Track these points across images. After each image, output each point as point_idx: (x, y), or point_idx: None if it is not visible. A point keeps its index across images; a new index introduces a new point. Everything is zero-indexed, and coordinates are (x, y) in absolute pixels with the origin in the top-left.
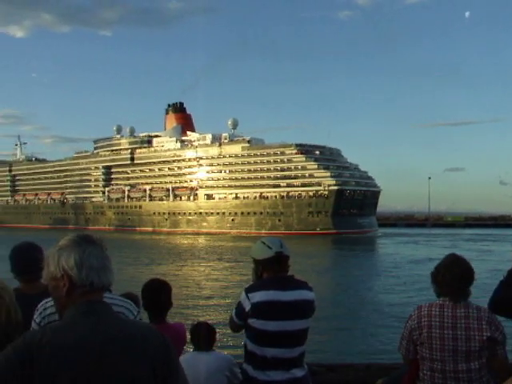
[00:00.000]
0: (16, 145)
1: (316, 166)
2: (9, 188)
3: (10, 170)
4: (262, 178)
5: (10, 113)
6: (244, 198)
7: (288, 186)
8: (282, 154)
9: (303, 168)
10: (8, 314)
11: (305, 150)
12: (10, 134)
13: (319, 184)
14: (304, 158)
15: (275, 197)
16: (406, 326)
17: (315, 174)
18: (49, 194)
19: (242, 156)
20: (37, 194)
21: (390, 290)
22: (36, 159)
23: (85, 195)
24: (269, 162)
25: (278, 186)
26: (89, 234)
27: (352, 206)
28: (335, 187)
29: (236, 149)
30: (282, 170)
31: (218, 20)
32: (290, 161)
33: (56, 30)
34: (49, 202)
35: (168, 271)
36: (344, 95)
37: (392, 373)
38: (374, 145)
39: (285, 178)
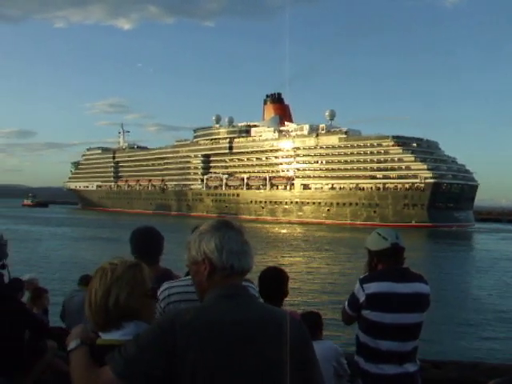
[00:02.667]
0: (119, 133)
1: (413, 159)
2: (112, 174)
3: (114, 157)
4: (359, 169)
5: (116, 101)
6: (340, 188)
7: (384, 177)
8: (379, 145)
9: (400, 160)
10: (106, 293)
11: (402, 142)
12: (116, 122)
13: (415, 176)
14: (401, 150)
15: (371, 188)
16: None
17: (412, 167)
18: (150, 180)
19: (339, 147)
20: (138, 181)
21: (492, 288)
22: (138, 147)
23: (184, 182)
24: (365, 153)
25: (374, 177)
26: (228, 220)
27: (448, 200)
28: (432, 180)
29: (333, 140)
30: (379, 161)
31: (320, 11)
32: (386, 153)
33: (161, 21)
34: (149, 188)
35: (272, 260)
36: (445, 88)
37: (507, 375)
38: (480, 138)
39: (381, 169)
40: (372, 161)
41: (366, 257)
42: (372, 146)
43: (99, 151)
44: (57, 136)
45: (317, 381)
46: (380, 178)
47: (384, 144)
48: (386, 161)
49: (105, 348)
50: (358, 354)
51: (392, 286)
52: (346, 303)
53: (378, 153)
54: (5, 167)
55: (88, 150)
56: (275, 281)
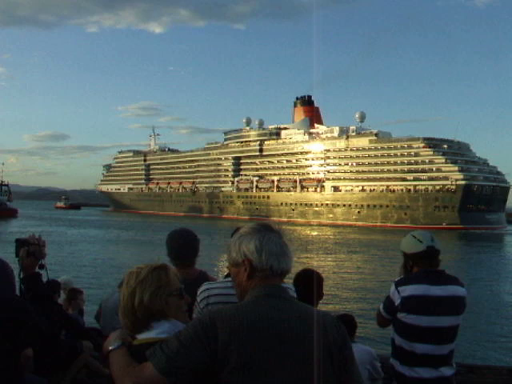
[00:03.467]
0: (150, 136)
1: (443, 160)
2: (143, 177)
3: (145, 160)
4: (389, 171)
5: (148, 105)
6: (370, 190)
7: (415, 179)
8: (410, 147)
9: (430, 162)
10: (132, 295)
11: (432, 143)
12: (148, 125)
13: (446, 178)
14: (431, 152)
15: (402, 190)
16: None
17: (442, 169)
18: (180, 182)
19: (369, 149)
20: (169, 183)
21: None
22: (169, 149)
23: (215, 185)
24: (396, 155)
25: (405, 179)
26: (267, 222)
27: (479, 202)
28: (463, 182)
29: (363, 142)
30: (409, 163)
31: (350, 13)
32: (417, 154)
33: (192, 24)
34: (180, 190)
35: (305, 262)
36: (479, 88)
37: None
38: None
39: (412, 171)
40: (402, 163)
41: (402, 259)
42: (402, 147)
43: (131, 154)
44: (89, 139)
45: (356, 380)
46: (411, 180)
47: (414, 146)
48: (416, 162)
49: (142, 347)
50: (393, 357)
51: (428, 288)
52: (382, 306)
53: (409, 155)
54: (39, 170)
55: (119, 152)
56: (310, 283)
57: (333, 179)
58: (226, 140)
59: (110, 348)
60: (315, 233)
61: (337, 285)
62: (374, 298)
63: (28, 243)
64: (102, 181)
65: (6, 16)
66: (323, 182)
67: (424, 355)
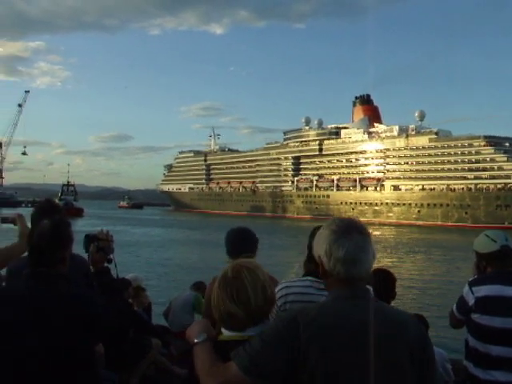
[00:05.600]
0: (210, 136)
1: (505, 159)
2: (204, 176)
3: (205, 160)
4: (449, 170)
5: (209, 105)
6: (430, 189)
7: (476, 178)
8: (470, 146)
9: (492, 160)
10: (244, 292)
11: (494, 141)
12: (210, 126)
13: (508, 177)
14: (493, 150)
15: (462, 189)
16: None
17: (504, 167)
18: (240, 182)
19: (429, 148)
20: (229, 183)
21: None
22: (229, 149)
23: (275, 184)
24: (456, 154)
25: (466, 178)
26: (349, 221)
27: None
28: None
29: (423, 141)
30: (470, 162)
31: (414, 11)
32: (478, 153)
33: (252, 25)
34: (240, 190)
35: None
36: None
37: None
38: None
39: (472, 170)
40: (463, 161)
41: (474, 259)
42: (463, 146)
43: (191, 154)
44: (152, 140)
45: (436, 380)
46: (471, 179)
47: (475, 144)
48: (477, 161)
49: (229, 343)
50: (466, 359)
51: (503, 289)
52: (455, 306)
53: (469, 153)
54: (104, 170)
55: (180, 153)
56: (383, 282)
57: (392, 178)
58: (285, 140)
59: (196, 341)
60: (377, 232)
61: (404, 285)
62: (442, 299)
63: (97, 238)
64: (162, 181)
65: (73, 22)
66: (383, 181)
67: (500, 358)
